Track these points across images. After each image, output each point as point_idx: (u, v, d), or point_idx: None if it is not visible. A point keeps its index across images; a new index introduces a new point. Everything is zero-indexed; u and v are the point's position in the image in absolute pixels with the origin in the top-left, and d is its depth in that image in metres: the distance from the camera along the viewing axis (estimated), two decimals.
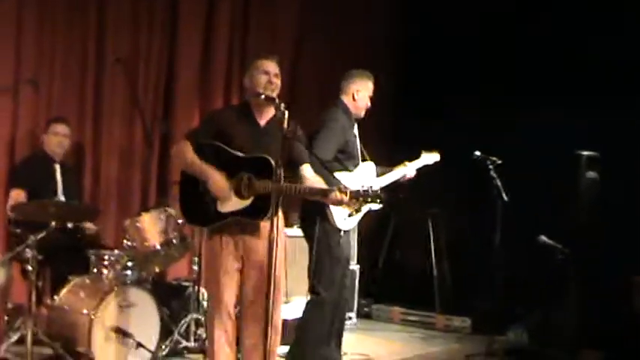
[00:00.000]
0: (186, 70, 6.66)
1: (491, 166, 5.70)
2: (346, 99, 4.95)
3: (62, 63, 5.98)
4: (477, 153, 5.74)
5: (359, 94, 4.94)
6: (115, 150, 6.28)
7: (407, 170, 5.22)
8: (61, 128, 5.62)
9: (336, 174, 4.58)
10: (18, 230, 5.01)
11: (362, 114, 5.01)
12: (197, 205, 4.01)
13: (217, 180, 3.90)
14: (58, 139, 5.59)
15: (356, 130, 4.99)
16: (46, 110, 5.88)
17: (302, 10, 7.58)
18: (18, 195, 5.29)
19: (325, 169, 4.29)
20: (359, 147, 4.98)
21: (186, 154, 4.00)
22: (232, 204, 3.91)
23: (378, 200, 3.76)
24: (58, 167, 5.58)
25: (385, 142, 7.00)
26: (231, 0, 7.04)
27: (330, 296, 4.81)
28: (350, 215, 4.79)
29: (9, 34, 5.68)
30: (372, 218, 5.17)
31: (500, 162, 5.70)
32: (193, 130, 4.32)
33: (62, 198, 5.46)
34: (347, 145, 4.85)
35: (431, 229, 7.51)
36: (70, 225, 5.42)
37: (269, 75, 4.02)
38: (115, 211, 6.19)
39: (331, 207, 4.71)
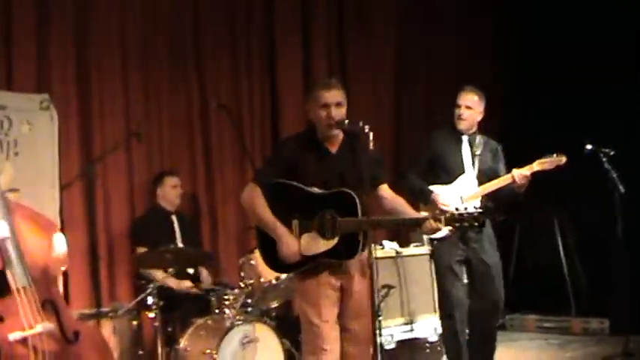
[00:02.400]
0: (290, 111, 6.75)
1: (604, 158, 5.45)
2: None
3: (168, 114, 6.23)
4: (589, 146, 5.49)
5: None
6: (229, 196, 6.39)
7: (513, 178, 4.82)
8: (175, 180, 5.85)
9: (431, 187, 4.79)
10: (143, 282, 5.25)
11: (462, 126, 4.91)
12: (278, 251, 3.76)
13: (289, 245, 3.69)
14: (173, 192, 5.82)
15: (464, 144, 4.94)
16: (159, 161, 6.13)
17: (399, 43, 7.70)
18: (142, 251, 5.49)
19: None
20: (464, 160, 4.92)
21: (257, 207, 3.75)
22: (316, 246, 3.70)
23: (476, 223, 3.59)
24: (174, 218, 5.81)
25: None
26: (326, 39, 7.19)
27: (444, 308, 4.86)
28: None
29: (117, 92, 5.97)
30: (497, 227, 5.03)
31: (612, 152, 5.44)
32: (262, 169, 3.96)
33: (181, 246, 5.62)
34: (438, 159, 4.92)
35: (558, 229, 7.25)
36: (190, 270, 5.65)
37: (329, 108, 3.76)
38: (235, 254, 6.27)
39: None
